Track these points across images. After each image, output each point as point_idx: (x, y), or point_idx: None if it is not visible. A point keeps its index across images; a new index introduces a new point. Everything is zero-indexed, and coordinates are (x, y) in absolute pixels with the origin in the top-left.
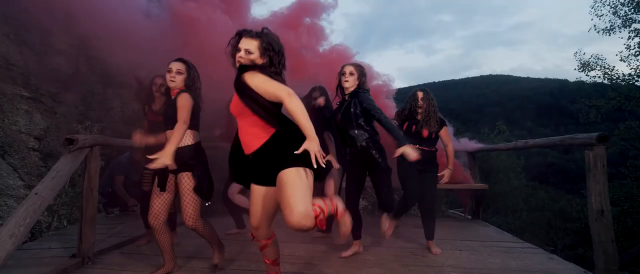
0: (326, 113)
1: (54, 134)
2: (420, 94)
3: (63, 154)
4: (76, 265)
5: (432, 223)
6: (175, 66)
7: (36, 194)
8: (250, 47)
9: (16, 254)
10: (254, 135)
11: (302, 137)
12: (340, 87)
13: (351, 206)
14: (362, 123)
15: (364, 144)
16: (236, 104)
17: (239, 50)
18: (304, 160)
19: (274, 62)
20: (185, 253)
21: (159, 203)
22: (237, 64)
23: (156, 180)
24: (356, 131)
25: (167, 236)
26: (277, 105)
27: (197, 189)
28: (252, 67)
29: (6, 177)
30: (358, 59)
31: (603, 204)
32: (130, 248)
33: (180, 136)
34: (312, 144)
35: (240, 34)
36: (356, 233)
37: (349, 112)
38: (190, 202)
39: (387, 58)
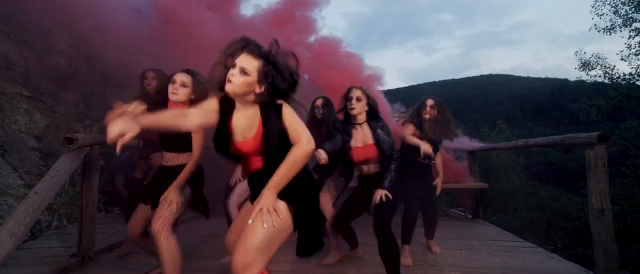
0: (331, 126)
1: (53, 133)
2: (429, 102)
3: (63, 153)
4: (76, 264)
5: (433, 223)
6: (180, 78)
7: (36, 193)
8: (248, 67)
9: (16, 253)
10: (257, 161)
11: (300, 183)
12: (345, 111)
13: (340, 224)
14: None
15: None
16: (255, 144)
17: (233, 66)
18: (293, 201)
19: (276, 88)
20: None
21: (140, 218)
22: (226, 86)
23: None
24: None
25: (150, 241)
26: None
27: (191, 204)
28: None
29: (6, 176)
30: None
31: (603, 203)
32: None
33: (192, 171)
34: (266, 200)
35: (243, 46)
36: (351, 242)
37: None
38: (164, 210)
39: (387, 57)
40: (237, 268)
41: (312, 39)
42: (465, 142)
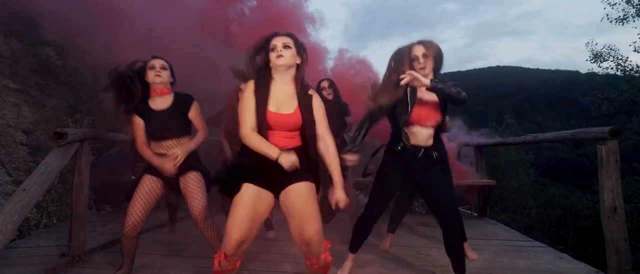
0: (337, 109)
1: (43, 127)
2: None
3: (52, 148)
4: (66, 264)
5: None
6: (159, 63)
7: (24, 190)
8: (288, 42)
9: (3, 252)
10: (286, 141)
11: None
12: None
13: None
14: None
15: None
16: (294, 119)
17: (272, 49)
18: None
19: (304, 62)
20: (191, 253)
21: (141, 214)
22: (278, 61)
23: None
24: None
25: (135, 244)
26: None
27: (207, 185)
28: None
29: None
30: (361, 49)
31: (616, 200)
32: None
33: (199, 142)
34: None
35: (270, 37)
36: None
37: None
38: (198, 196)
39: (389, 49)
40: (315, 237)
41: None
42: (473, 137)
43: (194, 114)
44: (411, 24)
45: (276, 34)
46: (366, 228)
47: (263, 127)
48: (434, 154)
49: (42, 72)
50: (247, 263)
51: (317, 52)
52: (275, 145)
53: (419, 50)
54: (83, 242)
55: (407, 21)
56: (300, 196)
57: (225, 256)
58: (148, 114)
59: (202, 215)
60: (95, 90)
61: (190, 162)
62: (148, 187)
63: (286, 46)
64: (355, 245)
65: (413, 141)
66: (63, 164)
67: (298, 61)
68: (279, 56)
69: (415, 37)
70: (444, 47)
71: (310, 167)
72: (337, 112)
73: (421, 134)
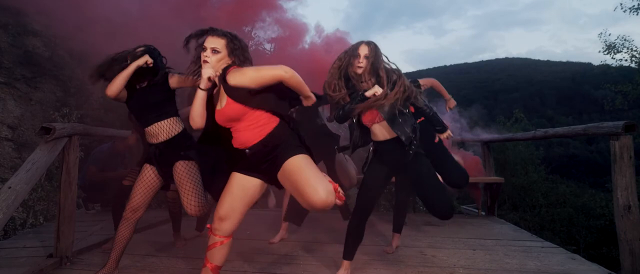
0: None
1: (29, 122)
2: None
3: (39, 144)
4: (53, 266)
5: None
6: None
7: (10, 188)
8: (217, 46)
9: None
10: (252, 132)
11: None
12: (348, 74)
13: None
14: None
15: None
16: (231, 110)
17: (204, 49)
18: (306, 149)
19: (240, 61)
20: (184, 254)
21: (143, 197)
22: (203, 64)
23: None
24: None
25: (130, 233)
26: (273, 94)
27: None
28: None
29: None
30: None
31: (630, 199)
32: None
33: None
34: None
35: (206, 32)
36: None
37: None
38: (191, 191)
39: (393, 39)
40: (325, 195)
41: None
42: (480, 133)
43: (176, 82)
44: (415, 13)
45: (211, 32)
46: (359, 225)
47: (223, 127)
48: (409, 141)
49: (29, 64)
50: (243, 265)
51: (294, 30)
52: (246, 141)
53: (363, 50)
54: (71, 242)
55: (411, 11)
56: (295, 168)
57: (210, 229)
58: (130, 94)
59: (195, 209)
60: (85, 83)
61: (180, 149)
62: (147, 176)
63: (214, 51)
64: (349, 250)
65: (381, 138)
66: (50, 161)
67: (229, 62)
68: (204, 62)
69: (420, 27)
70: (450, 38)
71: (299, 137)
72: (308, 116)
73: (382, 130)
